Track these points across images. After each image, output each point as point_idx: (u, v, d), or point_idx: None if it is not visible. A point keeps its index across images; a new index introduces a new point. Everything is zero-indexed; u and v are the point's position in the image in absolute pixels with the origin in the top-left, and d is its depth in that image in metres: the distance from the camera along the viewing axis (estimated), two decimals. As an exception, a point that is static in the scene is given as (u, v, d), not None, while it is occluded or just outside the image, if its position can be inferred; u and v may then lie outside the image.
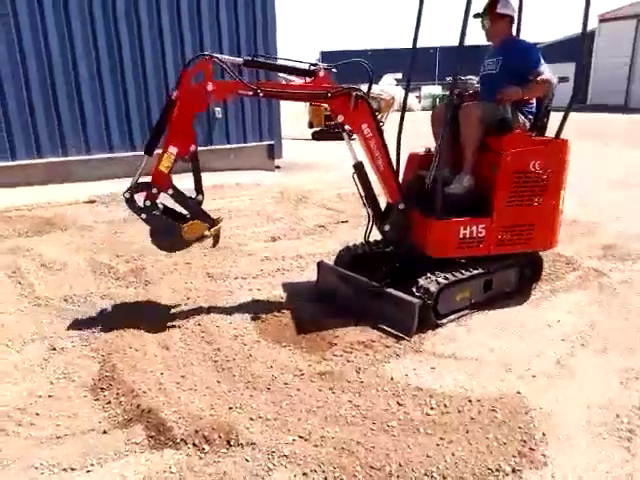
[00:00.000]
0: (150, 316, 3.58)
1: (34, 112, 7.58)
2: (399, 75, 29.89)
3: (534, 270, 4.02)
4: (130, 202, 3.30)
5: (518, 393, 2.69)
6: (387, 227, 3.63)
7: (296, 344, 3.23)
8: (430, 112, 4.12)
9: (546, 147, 3.57)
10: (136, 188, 3.28)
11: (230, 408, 2.59)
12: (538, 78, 3.52)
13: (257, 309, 3.68)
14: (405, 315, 3.32)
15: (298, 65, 3.48)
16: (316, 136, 16.41)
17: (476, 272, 3.58)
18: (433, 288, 3.36)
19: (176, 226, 3.34)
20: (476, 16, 3.69)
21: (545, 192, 3.60)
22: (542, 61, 3.59)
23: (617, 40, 27.61)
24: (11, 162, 7.52)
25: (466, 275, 3.54)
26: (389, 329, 3.37)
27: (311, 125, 16.69)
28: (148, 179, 3.28)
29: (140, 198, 3.30)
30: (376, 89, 17.77)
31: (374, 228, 3.69)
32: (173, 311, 3.68)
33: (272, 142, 9.69)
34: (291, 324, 3.48)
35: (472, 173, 3.62)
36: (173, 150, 3.20)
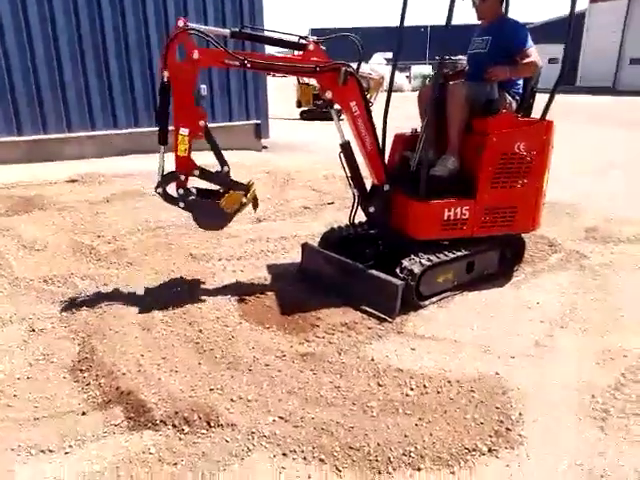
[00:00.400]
0: (132, 297, 3.56)
1: (14, 90, 7.40)
2: (389, 54, 29.61)
3: (516, 252, 4.03)
4: (164, 196, 3.32)
5: (496, 374, 2.72)
6: (372, 209, 3.62)
7: (279, 325, 3.23)
8: (419, 92, 4.08)
9: (531, 128, 3.55)
10: (165, 181, 3.27)
11: (211, 389, 2.59)
12: (526, 59, 3.49)
13: (240, 291, 3.66)
14: (388, 296, 3.33)
15: (287, 38, 3.41)
16: (304, 115, 16.28)
17: (459, 254, 3.58)
18: (416, 269, 3.36)
19: (214, 203, 3.35)
20: None
21: (529, 174, 3.59)
22: (530, 42, 3.56)
23: (607, 21, 27.54)
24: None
25: (449, 257, 3.54)
26: (372, 310, 3.38)
27: (299, 104, 16.53)
28: (172, 168, 3.26)
29: (172, 188, 3.29)
30: (366, 68, 17.59)
31: (359, 210, 3.67)
32: (155, 292, 3.65)
33: (259, 121, 9.58)
34: (274, 306, 3.47)
35: (457, 155, 3.59)
36: (184, 131, 3.15)
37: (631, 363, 2.81)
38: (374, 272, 3.45)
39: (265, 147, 9.88)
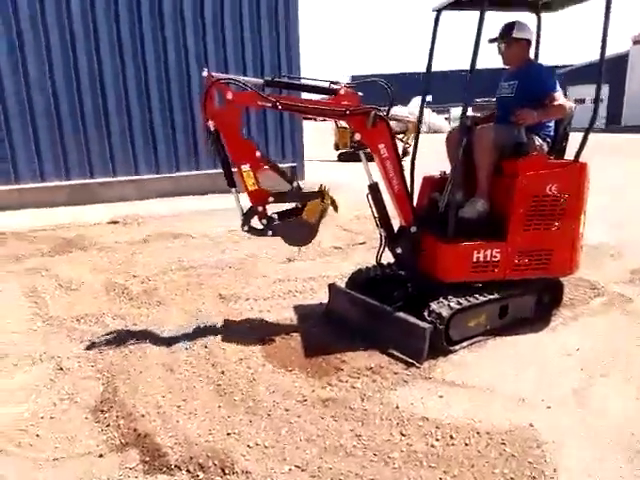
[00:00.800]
0: (158, 338, 3.58)
1: (63, 136, 7.90)
2: (428, 98, 29.95)
3: (554, 296, 3.85)
4: (252, 231, 3.45)
5: (530, 425, 2.54)
6: (399, 249, 3.56)
7: (302, 368, 3.15)
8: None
9: (564, 170, 3.47)
10: (247, 218, 3.41)
11: (228, 434, 2.52)
12: (554, 102, 3.45)
13: (265, 331, 3.63)
14: (416, 340, 3.21)
15: (319, 84, 3.53)
16: (342, 158, 16.51)
17: (491, 297, 3.45)
18: (445, 313, 3.24)
19: (298, 219, 3.44)
20: (491, 41, 3.68)
21: (564, 216, 3.47)
22: (557, 85, 3.53)
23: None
24: (40, 184, 7.81)
25: (480, 300, 3.41)
26: (399, 354, 3.26)
27: (337, 147, 16.80)
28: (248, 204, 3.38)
29: (256, 222, 3.43)
30: (404, 111, 17.79)
31: (387, 251, 3.62)
32: (181, 332, 3.66)
33: (295, 164, 9.78)
34: (299, 347, 3.41)
35: (486, 197, 3.52)
36: (246, 167, 3.26)
37: (681, 417, 2.57)
38: (401, 315, 3.35)
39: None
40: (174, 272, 4.92)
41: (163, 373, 3.14)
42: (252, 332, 3.63)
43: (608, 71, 29.16)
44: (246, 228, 3.41)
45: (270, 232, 3.41)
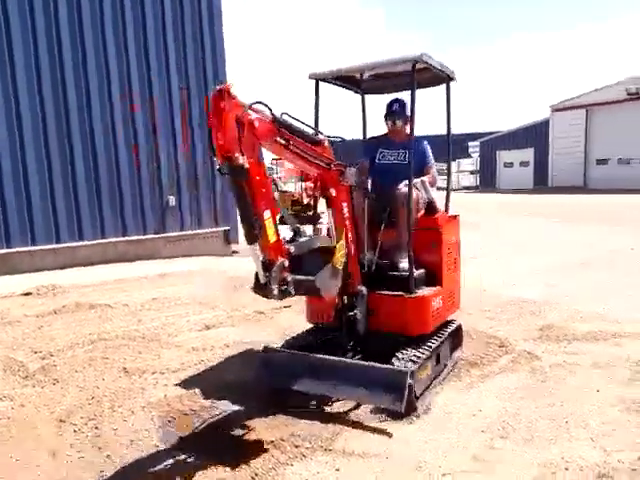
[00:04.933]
0: (46, 420, 3.30)
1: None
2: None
3: (458, 337, 4.18)
4: (281, 294, 2.75)
5: (423, 497, 2.46)
6: (359, 314, 3.52)
7: (199, 447, 2.96)
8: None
9: (454, 221, 4.11)
10: (274, 278, 2.68)
11: (99, 529, 2.29)
12: (431, 171, 4.07)
13: (166, 408, 3.42)
14: (393, 387, 3.12)
15: (312, 133, 3.26)
16: (283, 220, 16.66)
17: (433, 345, 3.62)
18: (411, 365, 3.26)
19: (329, 267, 3.10)
20: (390, 117, 4.11)
21: (457, 259, 4.12)
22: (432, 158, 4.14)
23: (569, 128, 29.48)
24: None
25: (431, 349, 3.57)
26: (378, 404, 3.23)
27: (278, 210, 17.02)
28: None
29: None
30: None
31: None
32: (73, 414, 3.38)
33: (228, 227, 9.74)
34: (199, 425, 3.22)
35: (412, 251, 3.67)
36: (267, 214, 2.63)
37: (571, 478, 2.55)
38: (373, 364, 3.28)
39: (236, 252, 9.95)
40: (81, 346, 4.64)
41: (45, 459, 2.87)
42: (151, 410, 3.41)
43: (533, 136, 31.78)
44: (275, 292, 2.66)
45: (303, 290, 2.90)
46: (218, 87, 2.40)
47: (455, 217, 4.14)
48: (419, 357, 3.40)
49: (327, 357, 3.44)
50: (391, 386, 3.14)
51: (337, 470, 2.70)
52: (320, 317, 3.79)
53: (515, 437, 2.98)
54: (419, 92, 3.80)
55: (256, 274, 2.71)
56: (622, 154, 27.43)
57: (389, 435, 3.03)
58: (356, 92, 4.54)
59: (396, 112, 4.05)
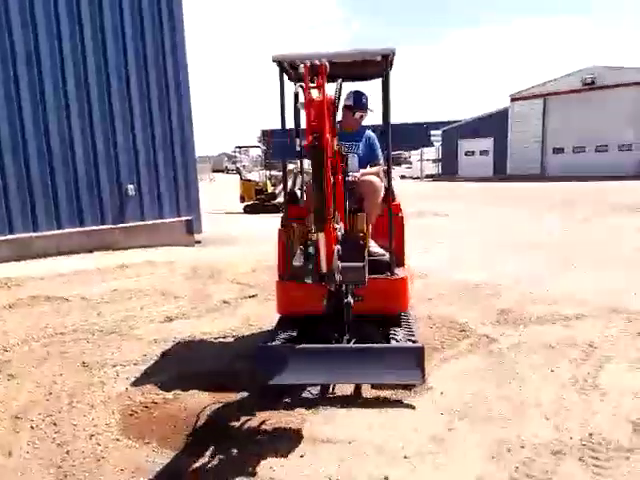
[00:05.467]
0: (0, 417, 3.19)
1: None
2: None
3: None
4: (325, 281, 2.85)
5: (385, 479, 2.51)
6: (351, 300, 3.48)
7: (161, 441, 2.93)
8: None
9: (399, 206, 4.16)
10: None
11: (58, 526, 2.24)
12: (380, 162, 4.27)
13: (127, 402, 3.36)
14: (408, 363, 3.27)
15: None
16: (248, 210, 16.56)
17: (411, 323, 3.90)
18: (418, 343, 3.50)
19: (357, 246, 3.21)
20: (350, 108, 4.14)
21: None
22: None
23: (527, 117, 30.24)
24: None
25: (410, 328, 3.81)
26: (395, 382, 3.35)
27: (242, 199, 16.88)
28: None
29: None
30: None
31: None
32: (29, 410, 3.29)
33: (190, 217, 9.58)
34: (163, 417, 3.18)
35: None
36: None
37: (527, 455, 2.66)
38: (383, 345, 3.54)
39: (198, 242, 9.81)
40: (37, 340, 4.50)
41: (0, 458, 2.78)
42: (112, 403, 3.35)
43: (493, 125, 32.43)
44: (333, 278, 2.78)
45: (342, 277, 2.89)
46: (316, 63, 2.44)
47: (398, 204, 4.19)
48: (413, 334, 3.66)
49: (335, 345, 3.48)
50: (408, 362, 3.29)
51: (301, 457, 2.73)
52: (298, 307, 3.80)
53: (473, 417, 3.08)
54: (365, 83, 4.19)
55: (306, 261, 2.72)
56: (577, 142, 28.40)
57: (352, 420, 3.08)
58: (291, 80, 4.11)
59: (364, 105, 4.16)
